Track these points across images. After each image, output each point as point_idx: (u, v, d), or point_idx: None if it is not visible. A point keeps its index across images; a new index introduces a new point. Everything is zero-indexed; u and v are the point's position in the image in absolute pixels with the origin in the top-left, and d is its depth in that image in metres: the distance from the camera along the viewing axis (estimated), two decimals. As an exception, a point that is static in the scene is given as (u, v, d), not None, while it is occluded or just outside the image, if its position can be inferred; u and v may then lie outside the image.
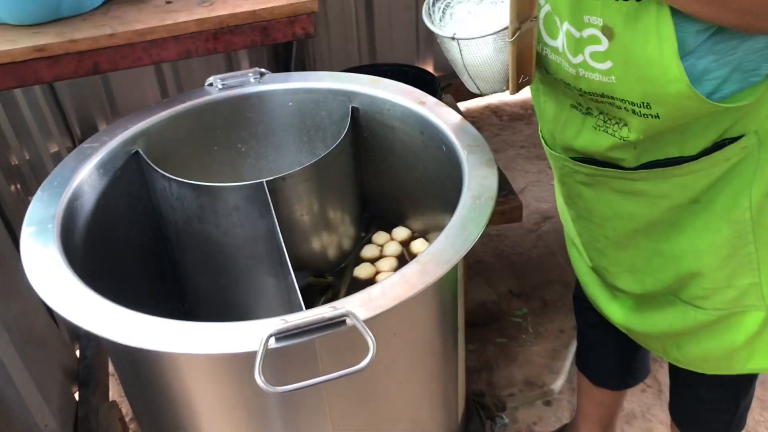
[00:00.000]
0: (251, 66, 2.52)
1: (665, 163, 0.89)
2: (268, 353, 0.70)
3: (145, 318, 0.75)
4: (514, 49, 0.83)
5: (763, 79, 0.81)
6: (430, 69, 2.71)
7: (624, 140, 0.88)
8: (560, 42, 0.86)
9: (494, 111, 2.89)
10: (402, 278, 0.76)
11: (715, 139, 0.85)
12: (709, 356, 1.06)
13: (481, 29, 0.87)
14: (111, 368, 1.85)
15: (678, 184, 0.90)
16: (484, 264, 2.14)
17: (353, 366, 0.71)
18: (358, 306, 0.73)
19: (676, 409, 1.26)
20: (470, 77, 0.94)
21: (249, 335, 0.71)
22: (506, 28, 0.82)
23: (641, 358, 1.38)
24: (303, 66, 2.21)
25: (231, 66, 2.50)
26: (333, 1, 2.46)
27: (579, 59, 0.83)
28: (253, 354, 0.69)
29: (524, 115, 2.86)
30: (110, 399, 1.69)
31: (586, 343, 1.42)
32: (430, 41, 2.67)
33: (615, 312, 1.16)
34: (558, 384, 1.75)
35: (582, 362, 1.43)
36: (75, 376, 1.69)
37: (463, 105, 2.87)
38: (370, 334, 0.70)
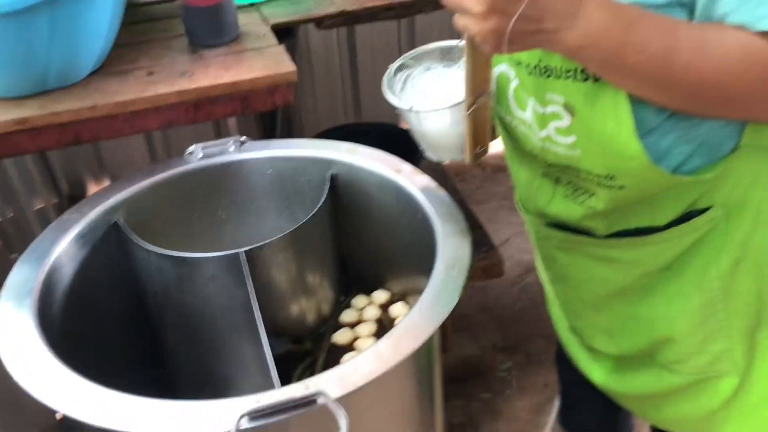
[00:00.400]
0: (239, 128, 2.57)
1: (635, 232, 0.91)
2: (241, 433, 0.70)
3: (117, 396, 0.75)
4: (470, 122, 0.86)
5: (727, 154, 0.83)
6: (413, 123, 2.76)
7: (592, 210, 0.91)
8: (528, 115, 0.88)
9: (477, 163, 2.93)
10: (375, 354, 0.77)
11: (684, 210, 0.87)
12: (687, 419, 1.07)
13: (439, 102, 0.90)
14: (92, 430, 1.83)
15: (648, 253, 0.92)
16: (469, 318, 2.14)
17: (328, 442, 0.71)
18: (330, 384, 0.74)
19: None
20: (428, 146, 0.97)
21: (222, 415, 0.71)
22: (462, 101, 0.85)
23: (624, 417, 1.38)
24: (289, 126, 2.24)
25: (219, 129, 2.54)
26: (318, 60, 2.51)
27: (545, 133, 0.86)
28: (227, 434, 0.69)
29: (506, 167, 2.90)
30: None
31: (568, 400, 1.42)
32: (413, 95, 2.72)
33: (594, 372, 1.17)
34: (542, 441, 1.75)
35: (564, 420, 1.43)
36: (56, 439, 1.66)
37: (446, 157, 2.91)
38: (343, 412, 0.70)
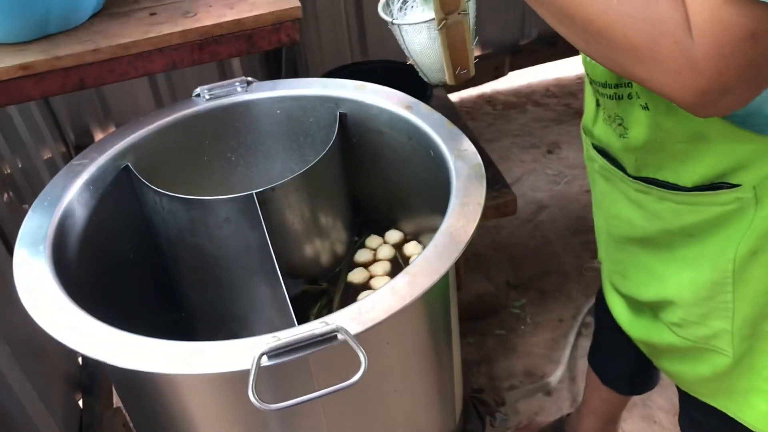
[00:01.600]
0: (243, 71, 2.52)
1: (662, 184, 0.89)
2: (261, 371, 0.70)
3: (136, 339, 0.76)
4: (444, 39, 0.88)
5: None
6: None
7: (625, 142, 0.88)
8: None
9: (488, 100, 2.89)
10: (392, 290, 0.77)
11: (712, 178, 0.83)
12: (681, 377, 1.07)
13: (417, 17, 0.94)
14: (114, 374, 1.86)
15: (670, 210, 0.90)
16: (482, 257, 2.15)
17: (346, 378, 0.72)
18: (348, 320, 0.74)
19: (680, 424, 1.27)
20: (417, 66, 0.99)
21: (241, 354, 0.72)
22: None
23: (652, 369, 1.37)
24: (295, 67, 2.20)
25: (224, 71, 2.49)
26: (322, -1, 2.45)
27: None
28: (246, 372, 0.70)
29: (518, 103, 2.86)
30: (114, 406, 1.70)
31: (601, 343, 1.41)
32: (420, 33, 2.66)
33: (615, 305, 1.17)
34: (557, 375, 1.76)
35: (594, 360, 1.43)
36: (78, 384, 1.70)
37: (455, 95, 2.86)
38: (361, 348, 0.71)
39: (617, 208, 1.00)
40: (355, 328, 0.73)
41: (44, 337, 1.51)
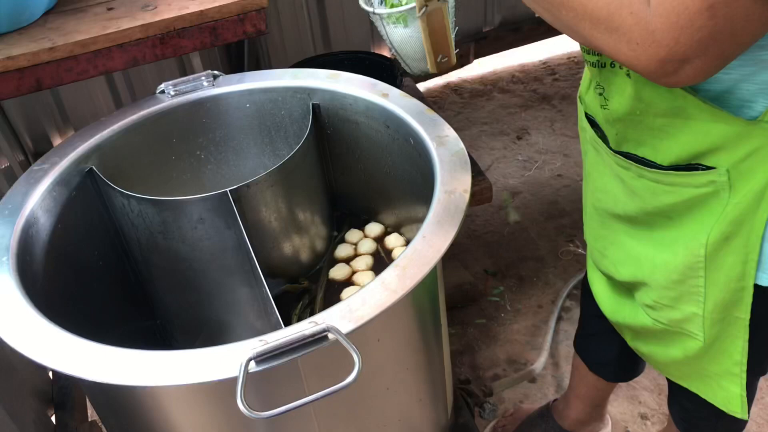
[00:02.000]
0: (204, 67, 2.46)
1: (640, 160, 0.88)
2: (249, 377, 0.66)
3: (112, 350, 0.71)
4: (425, 27, 0.89)
5: (749, 118, 0.76)
6: (386, 54, 2.67)
7: (607, 111, 0.87)
8: None
9: (454, 89, 2.87)
10: (382, 285, 0.74)
11: (688, 158, 0.83)
12: (656, 360, 1.07)
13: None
14: (86, 387, 1.80)
15: (648, 188, 0.89)
16: (458, 245, 2.12)
17: (339, 379, 0.69)
18: (338, 318, 0.70)
19: (670, 411, 1.26)
20: (399, 56, 0.99)
21: (227, 360, 0.68)
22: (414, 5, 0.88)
23: (638, 356, 1.37)
24: (257, 62, 2.14)
25: (183, 68, 2.42)
26: (282, -10, 2.40)
27: None
28: (233, 380, 0.66)
29: (484, 91, 2.84)
30: (89, 419, 1.64)
31: (587, 330, 1.40)
32: (384, 23, 2.62)
33: (595, 283, 1.17)
34: (541, 361, 1.75)
35: (580, 347, 1.42)
36: (50, 400, 1.63)
37: (422, 86, 2.84)
38: (354, 347, 0.67)
39: (603, 181, 1.00)
40: (346, 327, 0.69)
41: (11, 353, 1.44)
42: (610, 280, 1.10)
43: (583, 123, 1.02)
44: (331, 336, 0.69)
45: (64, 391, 1.63)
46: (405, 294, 0.72)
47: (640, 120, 0.85)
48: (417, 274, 0.74)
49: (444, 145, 0.92)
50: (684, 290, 0.92)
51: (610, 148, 0.92)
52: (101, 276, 1.05)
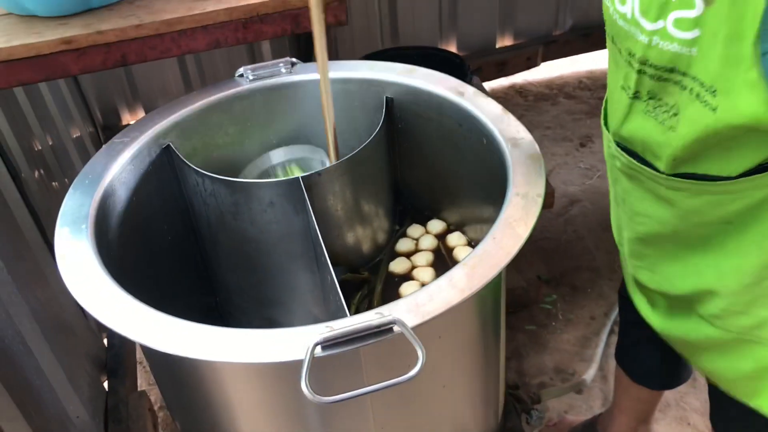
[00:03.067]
0: (273, 55, 2.49)
1: (701, 177, 0.83)
2: (313, 362, 0.67)
3: (185, 324, 0.73)
4: None
5: None
6: (453, 49, 2.65)
7: (670, 132, 0.83)
8: (629, 8, 0.80)
9: (519, 91, 2.84)
10: (449, 282, 0.74)
11: (761, 161, 0.79)
12: (721, 376, 1.02)
13: None
14: (139, 357, 1.85)
15: (710, 202, 0.84)
16: (512, 249, 2.10)
17: (397, 372, 0.69)
18: (405, 312, 0.71)
19: (712, 421, 1.22)
20: None
21: (293, 343, 0.69)
22: None
23: (684, 361, 1.33)
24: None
25: (253, 55, 2.46)
26: (354, -18, 2.41)
27: (658, 25, 0.77)
28: (298, 363, 0.67)
29: (550, 95, 2.80)
30: (139, 389, 1.69)
31: (628, 339, 1.37)
32: (453, 20, 2.61)
33: (640, 303, 1.13)
34: (590, 373, 1.73)
35: (622, 358, 1.39)
36: (103, 366, 1.68)
37: (488, 85, 2.82)
38: (419, 342, 0.67)
39: (644, 206, 0.94)
40: (412, 321, 0.70)
41: (70, 315, 1.49)
42: (660, 298, 1.06)
43: (613, 150, 0.96)
44: (396, 328, 0.69)
45: (117, 359, 1.68)
46: (472, 294, 0.72)
47: (705, 150, 0.80)
48: (485, 275, 0.74)
49: (518, 147, 0.91)
50: (758, 293, 0.87)
51: (660, 173, 0.86)
52: (169, 251, 1.08)
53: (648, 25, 0.77)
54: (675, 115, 0.82)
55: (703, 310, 0.96)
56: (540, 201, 0.82)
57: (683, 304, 1.01)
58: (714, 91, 0.74)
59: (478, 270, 0.75)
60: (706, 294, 0.94)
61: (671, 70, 0.79)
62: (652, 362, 1.31)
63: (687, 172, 0.84)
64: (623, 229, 1.05)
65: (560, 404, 1.69)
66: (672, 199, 0.88)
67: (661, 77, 0.81)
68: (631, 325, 1.25)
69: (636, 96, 0.86)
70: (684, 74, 0.77)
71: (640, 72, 0.82)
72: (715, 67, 0.72)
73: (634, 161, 0.91)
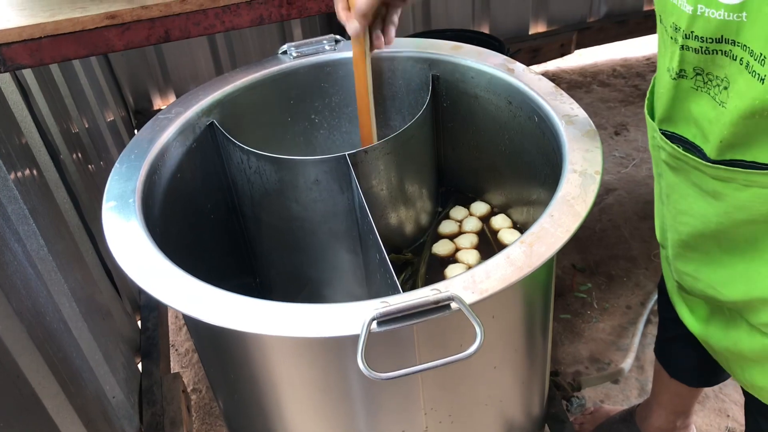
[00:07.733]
0: (304, 35, 2.48)
1: (749, 165, 0.77)
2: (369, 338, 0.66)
3: (238, 298, 0.72)
4: None
5: None
6: (487, 32, 2.62)
7: (721, 105, 0.78)
8: None
9: (552, 78, 2.79)
10: (507, 260, 0.72)
11: None
12: None
13: None
14: (171, 340, 1.85)
15: (758, 196, 0.78)
16: (546, 237, 2.08)
17: (449, 351, 0.67)
18: (462, 289, 0.69)
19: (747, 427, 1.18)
20: None
21: (350, 318, 0.67)
22: None
23: None
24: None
25: (284, 36, 2.45)
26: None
27: None
28: (352, 338, 0.65)
29: (584, 83, 2.76)
30: (172, 371, 1.69)
31: (666, 335, 1.34)
32: (486, 5, 2.58)
33: (681, 309, 1.08)
34: (628, 362, 1.70)
35: (661, 352, 1.36)
36: (137, 348, 1.69)
37: (519, 72, 2.78)
38: (478, 320, 0.66)
39: (688, 203, 0.89)
40: (469, 298, 0.68)
41: (106, 297, 1.49)
42: (705, 305, 1.00)
43: (658, 141, 0.91)
44: (453, 305, 0.67)
45: (151, 342, 1.69)
46: (531, 271, 0.70)
47: (756, 130, 0.75)
48: (544, 253, 0.72)
49: (573, 124, 0.89)
50: None
51: (707, 160, 0.81)
52: (211, 228, 1.07)
53: None
54: (725, 88, 0.77)
55: (755, 319, 0.90)
56: (598, 179, 0.80)
57: (731, 312, 0.96)
58: (764, 59, 0.69)
59: (536, 248, 0.73)
60: (758, 302, 0.87)
61: (719, 40, 0.74)
62: (690, 360, 1.27)
63: (735, 159, 0.79)
64: (667, 230, 0.99)
65: (596, 393, 1.67)
66: (718, 192, 0.82)
67: (708, 49, 0.76)
68: (670, 321, 1.21)
69: (680, 75, 0.81)
70: (733, 43, 0.73)
71: (683, 48, 0.78)
72: (766, 32, 0.68)
73: (680, 149, 0.86)
